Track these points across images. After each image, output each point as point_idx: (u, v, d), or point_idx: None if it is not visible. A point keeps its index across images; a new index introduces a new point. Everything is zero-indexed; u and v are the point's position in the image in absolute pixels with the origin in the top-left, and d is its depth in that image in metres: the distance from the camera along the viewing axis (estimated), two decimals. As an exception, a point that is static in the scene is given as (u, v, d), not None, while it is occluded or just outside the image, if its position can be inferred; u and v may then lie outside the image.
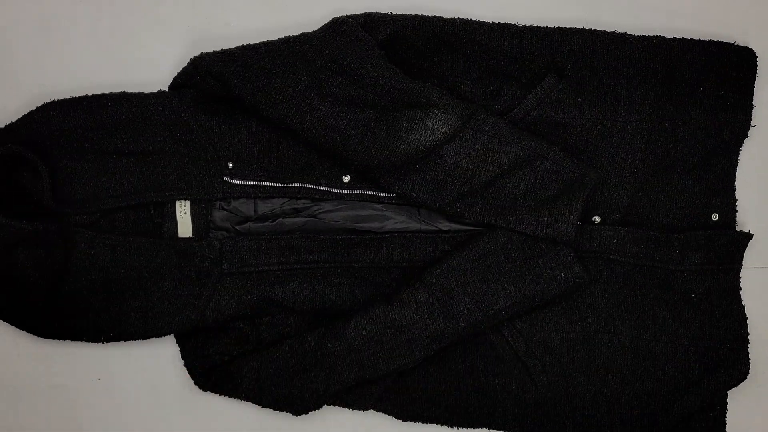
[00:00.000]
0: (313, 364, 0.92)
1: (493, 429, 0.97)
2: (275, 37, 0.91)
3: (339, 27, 0.91)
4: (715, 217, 0.99)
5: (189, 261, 0.93)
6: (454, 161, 0.91)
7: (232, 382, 0.93)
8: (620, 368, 0.96)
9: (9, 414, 0.99)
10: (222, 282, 0.93)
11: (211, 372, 0.94)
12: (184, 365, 0.97)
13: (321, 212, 0.96)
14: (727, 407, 1.00)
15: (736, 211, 1.00)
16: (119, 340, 0.95)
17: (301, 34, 0.92)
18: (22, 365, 0.99)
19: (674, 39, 0.96)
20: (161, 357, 0.99)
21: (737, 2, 0.99)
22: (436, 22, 0.94)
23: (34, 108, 0.90)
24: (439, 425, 0.97)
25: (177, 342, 0.97)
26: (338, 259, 0.94)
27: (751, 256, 1.00)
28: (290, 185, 0.94)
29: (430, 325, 0.91)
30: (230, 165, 0.93)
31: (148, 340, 0.96)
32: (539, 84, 0.94)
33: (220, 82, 0.90)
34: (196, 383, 0.96)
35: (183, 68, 0.92)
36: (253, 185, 0.94)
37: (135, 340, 0.95)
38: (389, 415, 0.96)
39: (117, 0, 0.95)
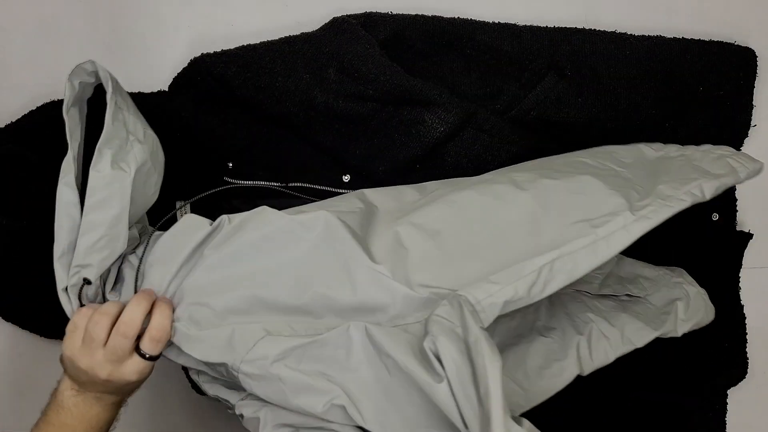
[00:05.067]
0: None
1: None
2: (275, 37, 0.91)
3: (339, 26, 0.91)
4: (715, 216, 0.99)
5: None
6: (455, 161, 0.91)
7: None
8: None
9: (10, 414, 1.00)
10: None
11: None
12: (182, 368, 0.97)
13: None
14: (727, 407, 1.00)
15: (736, 210, 1.00)
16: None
17: (301, 33, 0.92)
18: (23, 365, 0.99)
19: (674, 39, 0.96)
20: (161, 357, 0.99)
21: (737, 2, 0.99)
22: (436, 21, 0.93)
23: (34, 108, 0.90)
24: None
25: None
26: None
27: (751, 256, 1.00)
28: (290, 185, 0.94)
29: None
30: (230, 165, 0.93)
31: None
32: (539, 84, 0.94)
33: (221, 83, 0.90)
34: (193, 387, 0.97)
35: (183, 69, 0.92)
36: (253, 185, 0.94)
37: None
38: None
39: (117, 0, 0.95)
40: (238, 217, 0.73)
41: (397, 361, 0.63)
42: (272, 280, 0.71)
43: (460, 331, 0.63)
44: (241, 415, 0.72)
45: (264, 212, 0.74)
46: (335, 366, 0.66)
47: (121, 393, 0.74)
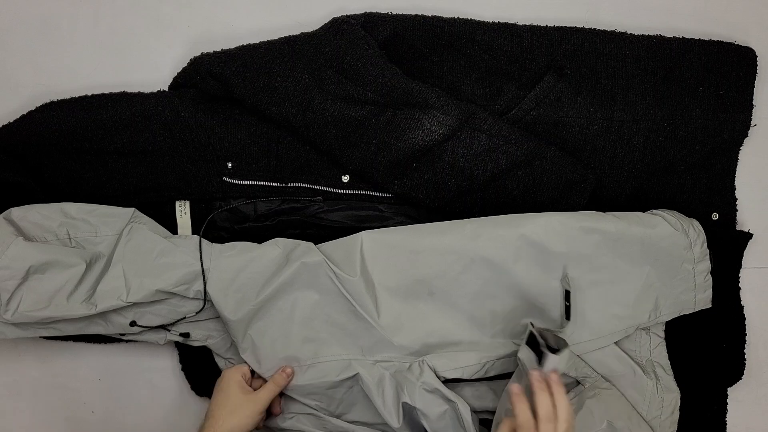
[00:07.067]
0: None
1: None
2: (275, 37, 0.91)
3: (339, 26, 0.91)
4: (715, 216, 0.99)
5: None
6: (452, 160, 0.91)
7: None
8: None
9: (10, 414, 0.99)
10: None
11: (209, 379, 0.95)
12: (181, 369, 0.97)
13: (320, 212, 0.96)
14: (727, 407, 1.00)
15: (736, 210, 1.00)
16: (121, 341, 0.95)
17: (301, 33, 0.91)
18: (22, 365, 0.99)
19: (674, 39, 0.96)
20: (161, 357, 0.99)
21: (737, 2, 0.99)
22: (436, 21, 0.94)
23: (33, 108, 0.90)
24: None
25: (176, 347, 0.97)
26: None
27: (751, 256, 1.00)
28: (289, 185, 0.94)
29: None
30: (229, 165, 0.93)
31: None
32: (539, 83, 0.94)
33: (220, 82, 0.90)
34: (192, 389, 0.97)
35: (183, 68, 0.92)
36: (252, 185, 0.94)
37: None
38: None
39: (117, 0, 0.95)
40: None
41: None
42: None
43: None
44: None
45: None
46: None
47: None
